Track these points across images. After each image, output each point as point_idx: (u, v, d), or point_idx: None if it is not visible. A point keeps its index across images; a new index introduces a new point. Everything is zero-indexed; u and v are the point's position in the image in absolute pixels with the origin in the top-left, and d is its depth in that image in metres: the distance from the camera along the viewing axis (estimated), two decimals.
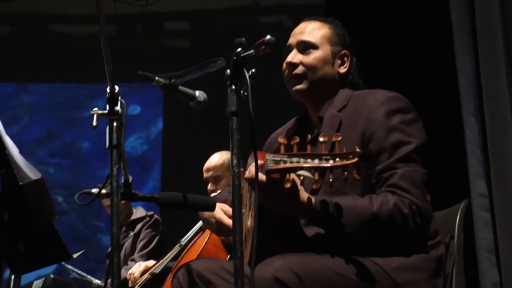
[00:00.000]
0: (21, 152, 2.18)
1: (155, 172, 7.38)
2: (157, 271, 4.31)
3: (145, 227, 5.10)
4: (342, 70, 2.50)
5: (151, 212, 5.22)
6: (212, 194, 4.22)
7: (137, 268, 4.56)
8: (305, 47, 2.49)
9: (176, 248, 4.34)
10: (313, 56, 2.47)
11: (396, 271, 2.15)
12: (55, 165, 7.55)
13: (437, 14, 4.39)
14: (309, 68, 2.46)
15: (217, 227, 2.46)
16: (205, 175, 4.36)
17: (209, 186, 4.35)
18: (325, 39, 2.51)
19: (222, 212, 2.45)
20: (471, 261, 2.82)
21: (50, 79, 7.55)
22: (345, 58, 2.52)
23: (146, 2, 6.61)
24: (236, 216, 1.77)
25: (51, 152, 7.59)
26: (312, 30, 2.52)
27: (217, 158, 4.35)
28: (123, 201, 5.22)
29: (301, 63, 2.47)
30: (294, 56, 2.48)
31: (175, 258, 4.21)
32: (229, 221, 2.41)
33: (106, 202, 5.23)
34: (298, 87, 2.47)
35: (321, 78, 2.46)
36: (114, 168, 1.84)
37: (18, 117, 7.54)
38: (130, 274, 4.57)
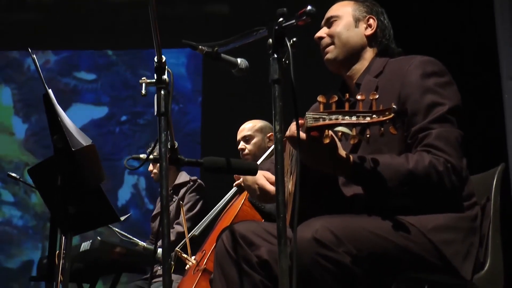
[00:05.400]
0: None
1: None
2: (197, 233, 4.40)
3: (189, 191, 5.16)
4: (368, 32, 2.61)
5: (195, 177, 5.30)
6: (242, 152, 4.50)
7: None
8: (330, 21, 2.64)
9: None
10: (336, 25, 2.62)
11: (432, 232, 2.19)
12: None
13: None
14: (333, 35, 2.61)
15: (260, 193, 2.56)
16: (238, 137, 4.61)
17: (240, 146, 4.51)
18: (347, 9, 2.64)
19: (264, 179, 2.54)
20: (507, 225, 2.84)
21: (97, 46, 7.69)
22: (371, 21, 2.62)
23: None
24: (279, 179, 1.83)
25: None
26: (336, 7, 2.68)
27: (250, 122, 4.64)
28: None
29: (327, 34, 2.62)
30: (321, 31, 2.64)
31: (213, 220, 4.31)
32: (271, 187, 2.52)
33: (151, 166, 5.40)
34: (328, 56, 2.61)
35: (346, 41, 2.59)
36: (163, 134, 1.91)
37: None
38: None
